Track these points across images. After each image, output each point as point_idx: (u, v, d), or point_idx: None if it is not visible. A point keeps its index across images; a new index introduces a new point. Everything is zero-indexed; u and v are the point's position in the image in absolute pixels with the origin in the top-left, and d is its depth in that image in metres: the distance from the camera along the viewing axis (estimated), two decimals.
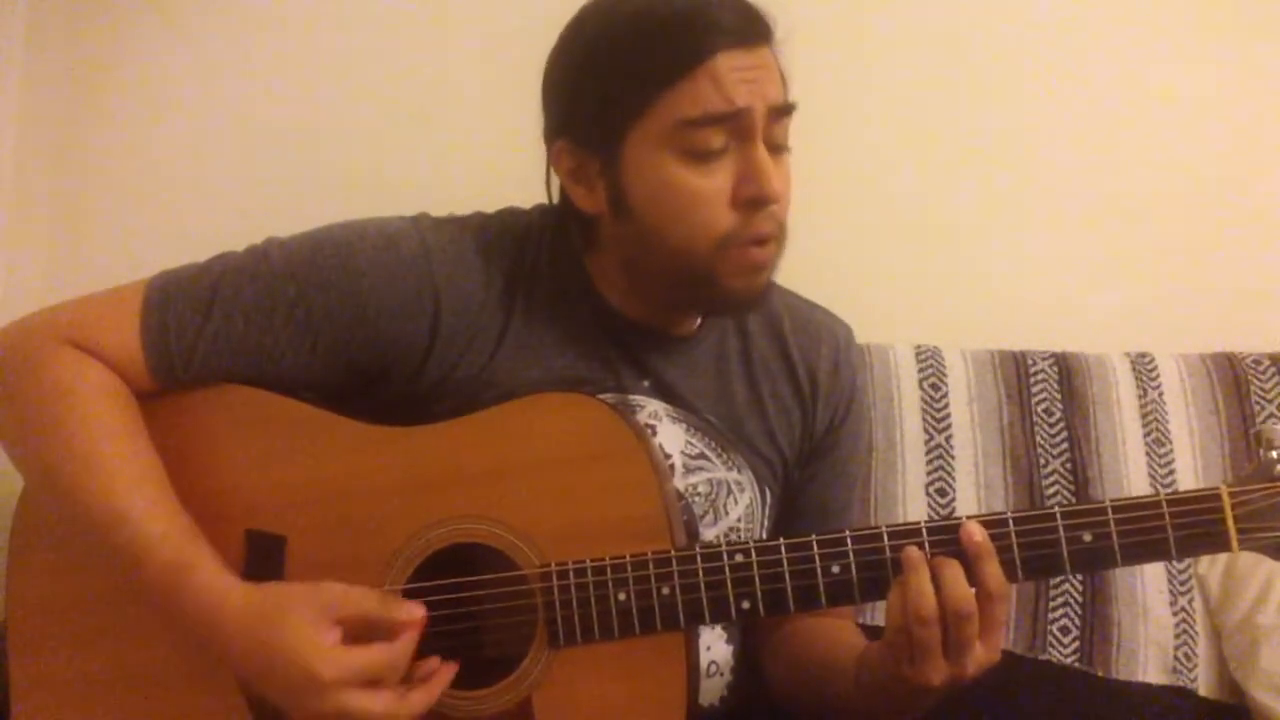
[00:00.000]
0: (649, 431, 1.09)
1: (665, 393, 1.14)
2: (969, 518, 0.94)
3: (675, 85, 0.99)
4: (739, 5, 1.03)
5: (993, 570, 0.93)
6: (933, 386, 1.61)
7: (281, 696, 0.95)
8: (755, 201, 1.01)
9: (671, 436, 1.12)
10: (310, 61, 1.77)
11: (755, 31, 1.02)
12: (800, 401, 1.20)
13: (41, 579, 1.07)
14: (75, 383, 1.02)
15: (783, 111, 1.04)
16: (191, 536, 0.98)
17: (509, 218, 1.16)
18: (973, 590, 0.93)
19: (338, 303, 1.05)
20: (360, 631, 0.94)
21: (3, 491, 1.15)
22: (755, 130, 1.01)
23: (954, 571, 0.93)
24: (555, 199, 1.14)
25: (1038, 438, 1.59)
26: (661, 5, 1.01)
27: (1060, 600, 1.53)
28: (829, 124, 1.64)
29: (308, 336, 1.05)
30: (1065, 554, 0.93)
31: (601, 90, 1.03)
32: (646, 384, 1.14)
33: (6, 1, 1.62)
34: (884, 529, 0.95)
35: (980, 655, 0.93)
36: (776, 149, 1.04)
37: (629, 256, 1.09)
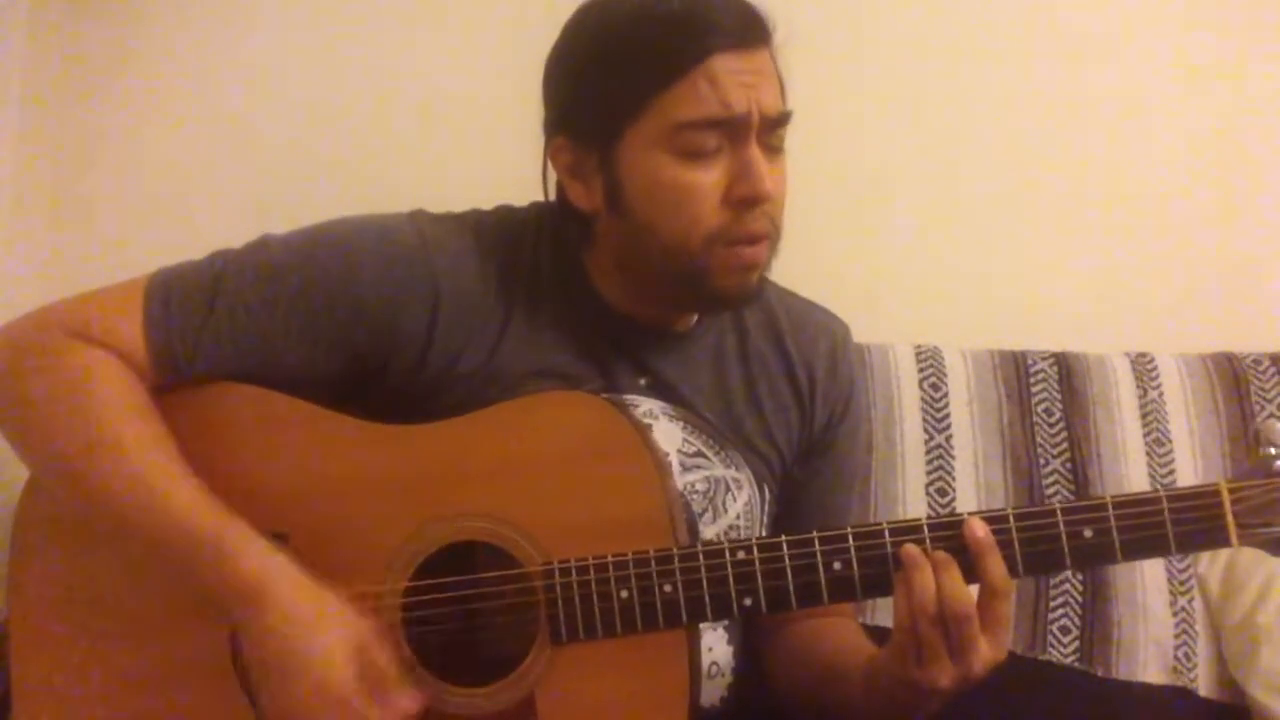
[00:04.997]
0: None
1: (662, 390, 1.14)
2: (970, 514, 0.94)
3: (672, 87, 1.00)
4: (738, 7, 1.03)
5: (995, 565, 0.93)
6: (933, 386, 1.61)
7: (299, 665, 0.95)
8: (747, 201, 1.02)
9: (668, 434, 1.12)
10: (310, 60, 1.77)
11: (753, 34, 1.03)
12: (798, 399, 1.20)
13: (44, 579, 1.07)
14: (91, 371, 1.02)
15: (778, 122, 1.04)
16: (221, 506, 0.99)
17: (505, 215, 1.16)
18: (973, 588, 0.93)
19: (338, 294, 1.05)
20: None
21: (3, 492, 1.15)
22: (750, 132, 1.01)
23: (950, 572, 0.93)
24: (551, 195, 1.14)
25: (1038, 438, 1.59)
26: (660, 5, 1.02)
27: (1060, 600, 1.53)
28: (830, 124, 1.65)
29: (309, 329, 1.06)
30: (1066, 550, 0.93)
31: (599, 89, 1.04)
32: (643, 382, 1.13)
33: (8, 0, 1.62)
34: (885, 526, 0.96)
35: (986, 653, 0.93)
36: (772, 150, 1.04)
37: (624, 253, 1.10)
